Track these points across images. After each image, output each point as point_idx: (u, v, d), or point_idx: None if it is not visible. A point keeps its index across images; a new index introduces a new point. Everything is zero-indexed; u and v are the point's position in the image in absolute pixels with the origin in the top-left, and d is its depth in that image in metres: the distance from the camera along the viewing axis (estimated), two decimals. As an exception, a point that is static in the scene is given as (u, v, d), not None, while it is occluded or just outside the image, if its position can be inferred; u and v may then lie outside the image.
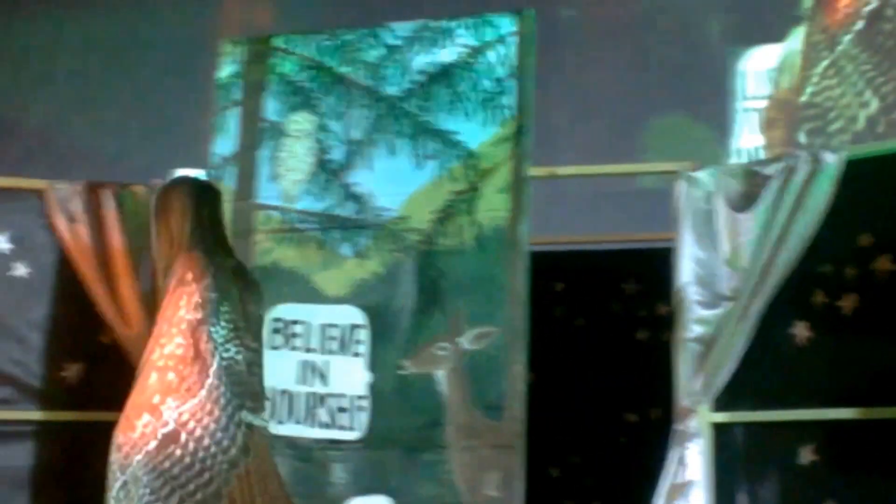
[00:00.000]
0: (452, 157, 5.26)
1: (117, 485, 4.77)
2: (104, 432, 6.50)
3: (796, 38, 6.44)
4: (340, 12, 7.35)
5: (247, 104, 5.63)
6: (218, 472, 4.64)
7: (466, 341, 5.05)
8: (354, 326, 5.24)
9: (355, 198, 5.40)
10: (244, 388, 4.75)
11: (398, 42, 5.43)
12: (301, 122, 5.54)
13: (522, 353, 5.00)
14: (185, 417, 4.67)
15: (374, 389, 5.17)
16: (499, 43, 5.24)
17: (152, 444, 4.68)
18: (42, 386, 6.52)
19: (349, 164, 5.44)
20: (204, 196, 5.01)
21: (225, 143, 5.63)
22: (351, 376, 5.20)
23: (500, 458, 4.94)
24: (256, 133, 5.59)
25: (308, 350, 5.28)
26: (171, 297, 4.87)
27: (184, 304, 4.81)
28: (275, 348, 5.30)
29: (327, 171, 5.47)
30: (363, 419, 5.16)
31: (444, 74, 5.34)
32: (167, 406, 4.68)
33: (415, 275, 5.21)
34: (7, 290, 6.46)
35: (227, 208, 5.53)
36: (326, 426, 5.20)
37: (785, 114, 6.74)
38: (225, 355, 4.75)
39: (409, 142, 5.33)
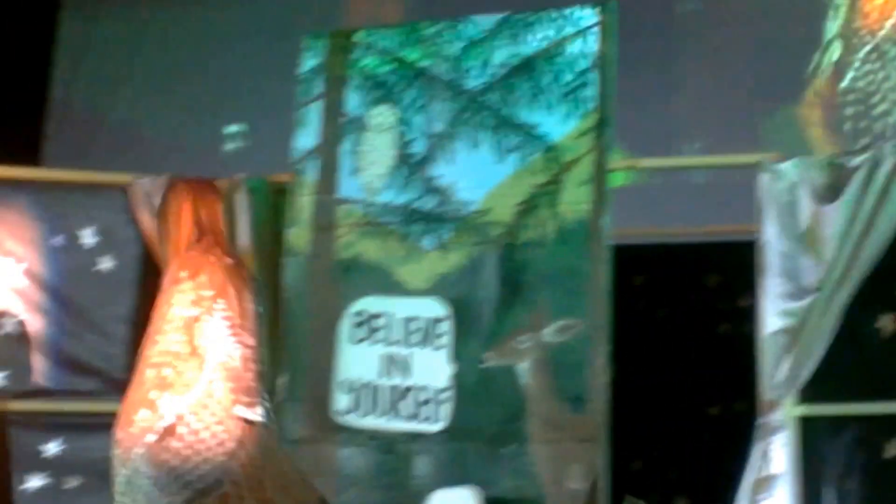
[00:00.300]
0: (534, 149, 5.25)
1: (120, 479, 4.84)
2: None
3: (832, 31, 6.37)
4: (422, 5, 7.36)
5: (328, 98, 5.65)
6: (217, 464, 4.70)
7: (549, 334, 5.04)
8: (437, 319, 5.24)
9: (437, 191, 5.40)
10: (239, 383, 4.81)
11: (480, 35, 5.42)
12: (382, 115, 5.55)
13: (605, 345, 4.98)
14: (182, 411, 4.73)
15: (457, 382, 5.16)
16: (581, 35, 5.22)
17: (151, 438, 4.74)
18: (127, 378, 6.60)
19: (431, 157, 5.44)
20: (201, 196, 5.09)
21: (307, 137, 5.66)
22: (434, 369, 5.19)
23: (583, 451, 4.92)
24: (338, 127, 5.61)
25: (391, 343, 5.29)
26: (164, 295, 4.95)
27: (177, 301, 4.91)
28: (358, 341, 5.33)
29: (409, 165, 5.47)
30: (446, 412, 5.15)
31: (525, 67, 5.33)
32: (164, 401, 4.74)
33: (497, 268, 5.20)
34: (93, 284, 6.54)
35: (309, 202, 5.58)
36: (409, 419, 5.21)
37: (822, 108, 6.69)
38: (221, 351, 4.80)
39: (491, 135, 5.32)
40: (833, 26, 6.06)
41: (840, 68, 6.42)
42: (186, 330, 4.86)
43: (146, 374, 4.90)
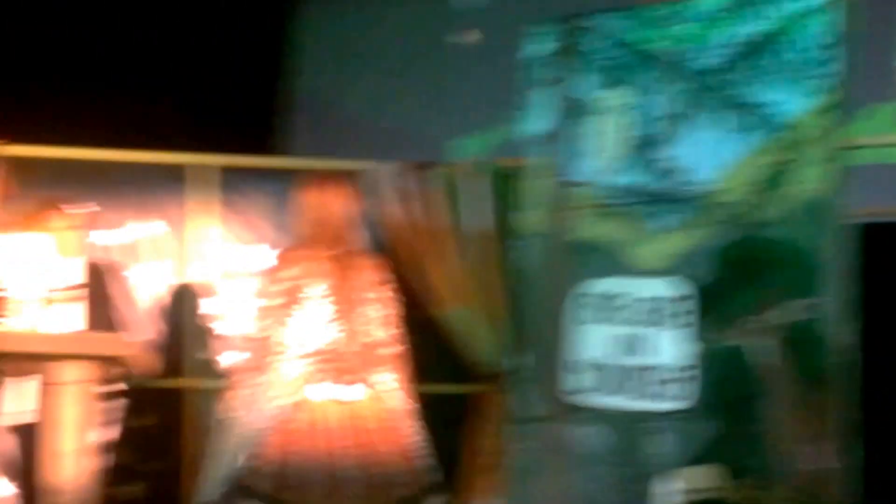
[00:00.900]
0: (768, 129, 5.16)
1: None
2: (422, 404, 6.73)
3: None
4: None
5: (559, 83, 5.66)
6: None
7: (789, 313, 4.97)
8: (673, 299, 5.22)
9: (669, 172, 5.38)
10: (336, 364, 5.06)
11: (711, 15, 5.37)
12: (612, 98, 5.55)
13: (847, 324, 4.88)
14: (247, 393, 5.04)
15: (696, 361, 5.14)
16: (816, 12, 5.11)
17: (226, 417, 5.06)
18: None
19: (663, 139, 5.41)
20: (312, 191, 5.31)
21: (537, 122, 5.69)
22: (671, 349, 5.19)
23: (829, 431, 4.84)
24: (568, 111, 5.63)
25: (626, 323, 5.30)
26: (260, 288, 5.26)
27: (266, 292, 5.15)
28: (593, 322, 5.36)
29: (640, 147, 5.45)
30: (685, 391, 5.14)
31: (758, 45, 5.23)
32: (242, 381, 5.05)
33: (733, 247, 5.15)
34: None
35: (541, 185, 5.63)
36: (646, 398, 5.21)
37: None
38: (317, 334, 5.05)
39: (725, 115, 5.26)
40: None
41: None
42: (264, 318, 5.19)
43: (236, 357, 5.28)
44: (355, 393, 5.25)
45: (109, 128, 7.01)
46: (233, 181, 6.69)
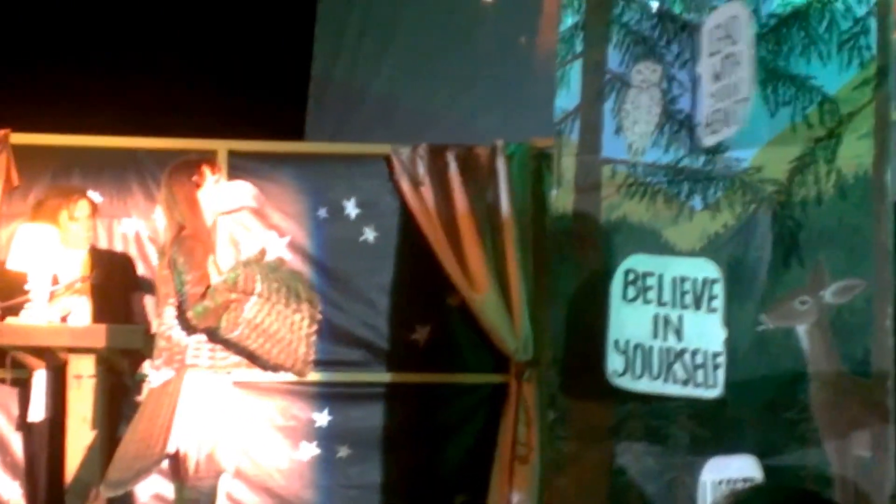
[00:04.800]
0: (809, 102, 4.93)
1: None
2: (451, 394, 6.60)
3: None
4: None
5: (589, 56, 5.47)
6: None
7: (829, 295, 4.75)
8: (708, 281, 5.02)
9: (705, 148, 5.17)
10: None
11: (745, -16, 5.16)
12: (645, 72, 5.35)
13: (891, 306, 4.66)
14: None
15: (731, 345, 4.94)
16: (851, -20, 4.88)
17: None
18: (392, 348, 6.62)
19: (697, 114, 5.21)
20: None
21: (568, 98, 5.49)
22: (706, 332, 4.99)
23: (870, 417, 4.63)
24: (600, 85, 5.43)
25: (661, 304, 5.10)
26: None
27: None
28: (630, 300, 5.14)
29: (675, 122, 5.27)
30: (720, 376, 4.94)
31: (797, 16, 5.03)
32: None
33: (771, 227, 4.93)
34: (356, 255, 6.59)
35: (572, 163, 5.43)
36: (684, 383, 5.02)
37: None
38: None
39: (762, 88, 5.05)
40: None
41: None
42: None
43: None
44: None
45: (124, 114, 6.93)
46: (252, 167, 6.54)
